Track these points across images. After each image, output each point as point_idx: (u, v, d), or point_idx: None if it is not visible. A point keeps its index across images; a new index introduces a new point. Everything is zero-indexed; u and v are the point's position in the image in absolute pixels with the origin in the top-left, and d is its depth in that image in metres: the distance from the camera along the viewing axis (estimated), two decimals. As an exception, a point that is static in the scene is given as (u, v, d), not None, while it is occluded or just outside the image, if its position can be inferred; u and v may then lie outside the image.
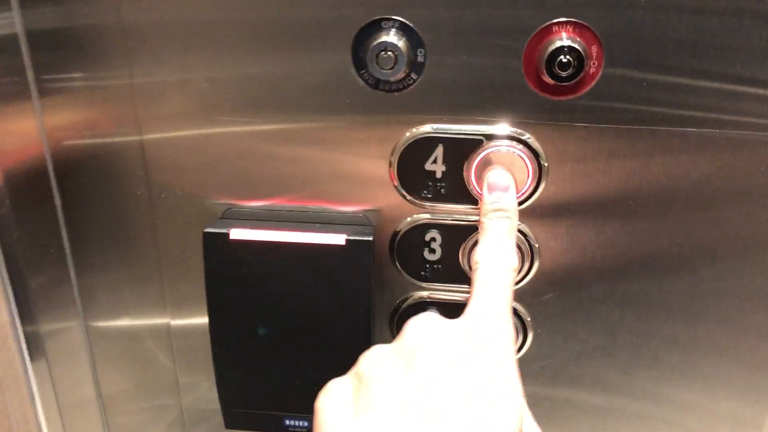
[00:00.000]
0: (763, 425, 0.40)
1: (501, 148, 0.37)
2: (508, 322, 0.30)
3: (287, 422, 0.42)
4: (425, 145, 0.38)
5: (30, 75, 0.39)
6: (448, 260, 0.41)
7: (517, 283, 0.41)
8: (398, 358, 0.29)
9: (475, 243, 0.40)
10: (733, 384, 0.39)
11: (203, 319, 0.43)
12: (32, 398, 0.47)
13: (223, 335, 0.41)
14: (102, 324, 0.47)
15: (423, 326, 0.31)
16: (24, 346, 0.46)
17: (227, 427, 0.43)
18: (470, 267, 0.41)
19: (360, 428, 0.26)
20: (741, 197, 0.38)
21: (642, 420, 0.43)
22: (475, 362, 0.28)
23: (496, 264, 0.33)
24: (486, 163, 0.38)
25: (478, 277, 0.32)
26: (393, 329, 0.44)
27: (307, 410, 0.41)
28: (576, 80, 0.36)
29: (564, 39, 0.35)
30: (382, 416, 0.26)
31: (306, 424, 0.42)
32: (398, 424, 0.26)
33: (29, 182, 0.42)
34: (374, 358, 0.30)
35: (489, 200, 0.36)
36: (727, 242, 0.39)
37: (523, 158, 0.37)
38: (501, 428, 0.26)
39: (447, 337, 0.29)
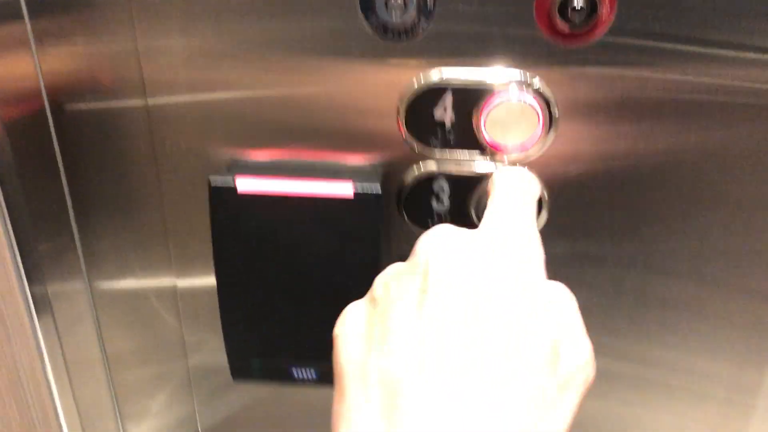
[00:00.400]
0: (758, 389, 0.40)
1: (511, 97, 0.37)
2: (536, 232, 0.27)
3: (294, 372, 0.42)
4: (434, 93, 0.38)
5: (31, 37, 0.38)
6: (457, 211, 0.41)
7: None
8: (413, 279, 0.27)
9: (484, 195, 0.40)
10: (730, 347, 0.39)
11: (210, 279, 0.43)
12: (42, 358, 0.47)
13: (230, 287, 0.41)
14: (107, 285, 0.47)
15: (438, 240, 0.28)
16: (32, 306, 0.46)
17: (235, 377, 0.43)
18: (477, 217, 0.40)
19: (374, 363, 0.25)
20: (752, 153, 0.37)
21: (638, 381, 0.43)
22: (501, 292, 0.25)
23: (516, 181, 0.30)
24: (497, 113, 0.37)
25: (496, 191, 0.30)
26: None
27: (314, 360, 0.42)
28: (589, 26, 0.35)
29: (577, -17, 0.34)
30: (398, 352, 0.24)
31: (313, 373, 0.42)
32: (414, 362, 0.24)
33: (30, 139, 0.41)
34: (388, 280, 0.28)
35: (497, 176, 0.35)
36: (736, 200, 0.38)
37: (533, 107, 0.37)
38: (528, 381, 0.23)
39: (466, 255, 0.27)
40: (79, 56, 0.39)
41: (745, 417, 0.41)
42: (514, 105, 0.37)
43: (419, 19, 0.36)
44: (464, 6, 0.36)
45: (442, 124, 0.38)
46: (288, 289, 0.41)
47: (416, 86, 0.38)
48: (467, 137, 0.38)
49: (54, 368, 0.48)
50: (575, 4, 0.34)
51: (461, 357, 0.23)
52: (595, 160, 0.39)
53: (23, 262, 0.44)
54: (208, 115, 0.40)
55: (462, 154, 0.39)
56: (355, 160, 0.41)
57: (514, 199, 0.29)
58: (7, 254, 0.43)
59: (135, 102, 0.40)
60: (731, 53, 0.35)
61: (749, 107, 0.36)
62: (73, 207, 0.44)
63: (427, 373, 0.23)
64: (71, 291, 0.46)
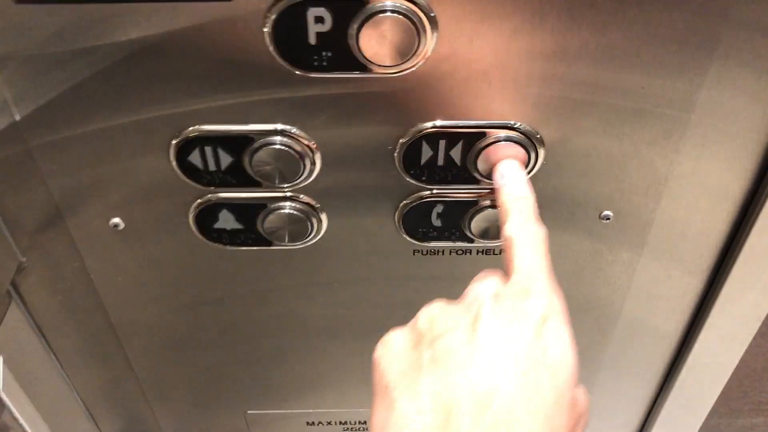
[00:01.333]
0: (694, 104, 0.38)
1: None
2: (556, 290, 0.31)
3: None
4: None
5: None
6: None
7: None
8: (465, 314, 0.30)
9: None
10: (663, 61, 0.38)
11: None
12: None
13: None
14: None
15: (483, 287, 0.32)
16: None
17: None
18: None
19: (426, 381, 0.28)
20: None
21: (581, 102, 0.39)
22: (534, 333, 0.29)
23: (530, 235, 0.33)
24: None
25: (517, 250, 0.32)
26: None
27: None
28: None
29: None
30: (450, 374, 0.27)
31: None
32: (461, 384, 0.27)
33: None
34: (434, 315, 0.31)
35: (506, 191, 0.37)
36: None
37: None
38: (557, 396, 0.27)
39: (509, 304, 0.30)
40: None
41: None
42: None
43: None
44: None
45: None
46: None
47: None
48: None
49: None
50: None
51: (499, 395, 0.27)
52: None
53: None
54: None
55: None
56: None
57: (535, 254, 0.32)
58: None
59: None
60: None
61: None
62: None
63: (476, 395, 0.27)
64: None
